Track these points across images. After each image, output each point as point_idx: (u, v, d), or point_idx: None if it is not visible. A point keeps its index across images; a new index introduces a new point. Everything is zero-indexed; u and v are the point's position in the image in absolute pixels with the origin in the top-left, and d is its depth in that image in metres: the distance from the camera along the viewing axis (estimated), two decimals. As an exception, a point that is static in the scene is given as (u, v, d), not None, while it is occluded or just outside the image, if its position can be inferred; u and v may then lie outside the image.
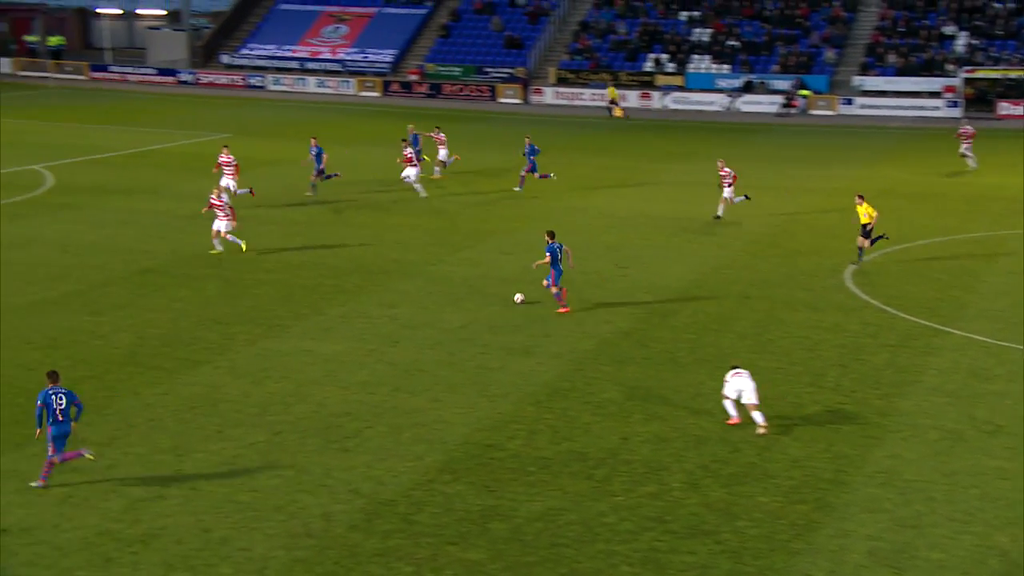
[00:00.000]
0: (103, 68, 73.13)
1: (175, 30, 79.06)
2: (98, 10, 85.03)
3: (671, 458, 17.81)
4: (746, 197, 34.26)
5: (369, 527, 15.61)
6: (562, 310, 24.84)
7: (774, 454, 17.97)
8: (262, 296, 25.92)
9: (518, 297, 25.46)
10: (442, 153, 40.21)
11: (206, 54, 73.61)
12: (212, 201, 29.59)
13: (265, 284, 26.86)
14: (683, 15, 68.19)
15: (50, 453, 16.44)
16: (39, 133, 48.67)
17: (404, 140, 38.26)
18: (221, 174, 34.59)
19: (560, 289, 24.92)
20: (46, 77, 71.04)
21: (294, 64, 70.56)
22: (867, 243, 29.03)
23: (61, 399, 16.44)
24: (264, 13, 75.14)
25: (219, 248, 29.28)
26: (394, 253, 27.30)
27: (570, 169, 41.60)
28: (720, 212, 34.00)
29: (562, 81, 65.12)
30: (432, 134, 40.50)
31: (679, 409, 19.63)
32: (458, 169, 41.07)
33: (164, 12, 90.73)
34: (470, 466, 17.42)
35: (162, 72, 71.99)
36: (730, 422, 19.04)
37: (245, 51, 72.10)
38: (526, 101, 64.86)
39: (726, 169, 33.93)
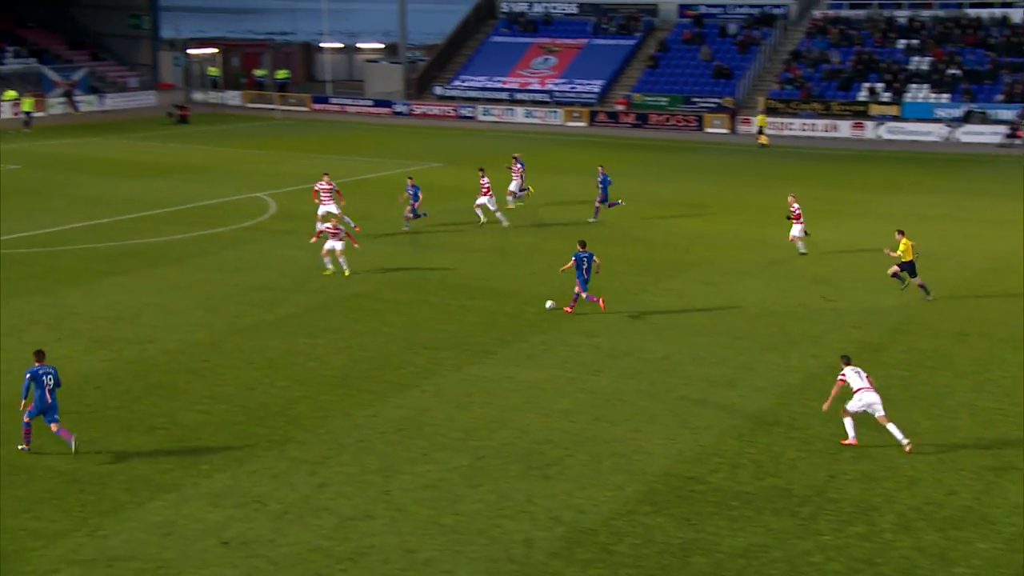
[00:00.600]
0: (324, 100, 75.93)
1: (391, 63, 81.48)
2: (321, 44, 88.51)
3: (881, 498, 17.12)
4: (806, 233, 32.54)
5: (570, 555, 15.54)
6: (567, 310, 26.59)
7: (993, 498, 17.06)
8: (468, 323, 26.28)
9: (549, 304, 26.53)
10: (514, 184, 39.76)
11: (420, 86, 75.54)
12: (325, 228, 30.54)
13: (471, 311, 27.22)
14: (901, 43, 66.16)
15: (55, 430, 18.41)
16: (264, 162, 50.80)
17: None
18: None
19: (588, 295, 26.52)
20: (272, 109, 74.25)
21: (503, 95, 71.63)
22: (911, 279, 27.83)
23: (50, 378, 18.45)
24: (477, 46, 76.65)
25: (330, 268, 30.14)
26: (595, 282, 27.25)
27: (777, 199, 40.80)
28: (803, 249, 32.58)
29: (771, 111, 64.01)
30: (512, 165, 40.18)
31: (890, 448, 18.87)
32: (660, 199, 40.78)
33: (382, 46, 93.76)
34: (671, 498, 17.16)
35: (378, 103, 74.23)
36: (847, 442, 18.22)
37: (457, 83, 73.65)
38: (733, 131, 64.04)
39: (796, 205, 32.66)
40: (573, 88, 70.68)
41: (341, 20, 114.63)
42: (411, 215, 36.41)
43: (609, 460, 18.52)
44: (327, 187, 34.79)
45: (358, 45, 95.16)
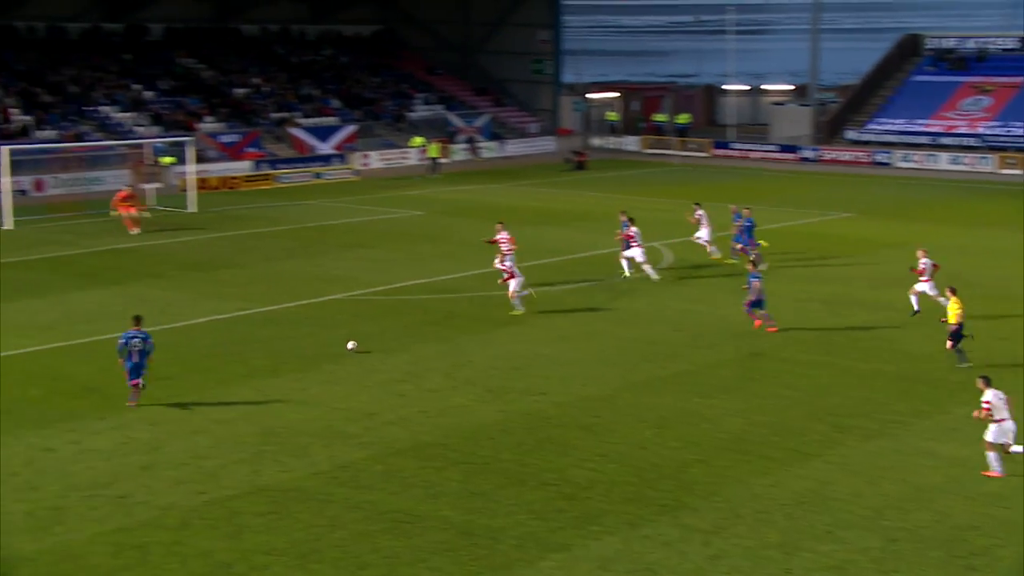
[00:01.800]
0: (725, 145, 76.07)
1: (800, 105, 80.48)
2: (725, 87, 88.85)
3: None
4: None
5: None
6: (770, 329, 29.60)
7: None
8: (878, 388, 25.28)
9: (350, 345, 27.87)
10: (702, 232, 39.35)
11: (830, 130, 74.07)
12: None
13: (882, 376, 26.17)
14: None
15: (130, 383, 23.27)
16: (661, 210, 51.41)
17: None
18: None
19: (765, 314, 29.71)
20: (671, 155, 75.23)
21: (925, 139, 68.91)
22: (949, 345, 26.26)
23: (137, 342, 23.34)
24: (897, 86, 74.32)
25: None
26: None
27: None
28: (916, 307, 30.39)
29: None
30: (692, 214, 39.76)
31: None
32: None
33: (790, 87, 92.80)
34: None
35: (784, 148, 73.44)
36: (990, 474, 16.90)
37: (873, 126, 71.63)
38: None
39: (925, 260, 30.74)
40: (1009, 131, 66.92)
41: (747, 60, 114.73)
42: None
43: (1044, 555, 17.15)
44: (505, 238, 34.41)
45: (764, 87, 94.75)
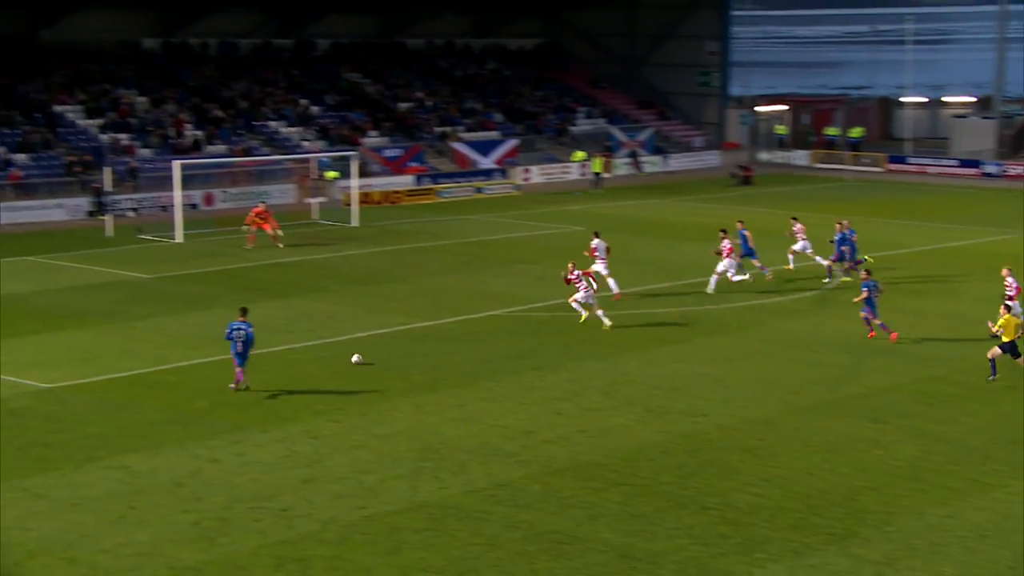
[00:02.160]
0: (901, 160, 74.30)
1: (983, 118, 78.13)
2: (902, 99, 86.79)
3: None
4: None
5: None
6: (893, 336, 29.92)
7: None
8: (1065, 417, 24.37)
9: (355, 358, 28.41)
10: (797, 246, 39.86)
11: (1016, 144, 71.73)
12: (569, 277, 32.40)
13: (1070, 404, 25.22)
14: None
15: (237, 369, 26.00)
16: (830, 227, 50.36)
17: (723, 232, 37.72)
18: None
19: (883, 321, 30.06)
20: (843, 169, 73.81)
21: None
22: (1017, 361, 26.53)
23: (241, 332, 25.96)
24: (1085, 97, 71.63)
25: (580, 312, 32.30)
26: None
27: None
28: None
29: None
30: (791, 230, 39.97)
31: None
32: None
33: (972, 99, 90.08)
34: None
35: (964, 163, 71.42)
36: None
37: (1059, 140, 69.16)
38: None
39: (1011, 280, 30.31)
40: None
41: (926, 72, 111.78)
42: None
43: None
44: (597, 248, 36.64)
45: (944, 99, 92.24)
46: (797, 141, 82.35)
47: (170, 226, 47.34)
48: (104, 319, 33.34)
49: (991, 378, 27.07)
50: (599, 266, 36.45)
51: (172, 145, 60.23)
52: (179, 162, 49.30)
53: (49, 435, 23.46)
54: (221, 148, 61.40)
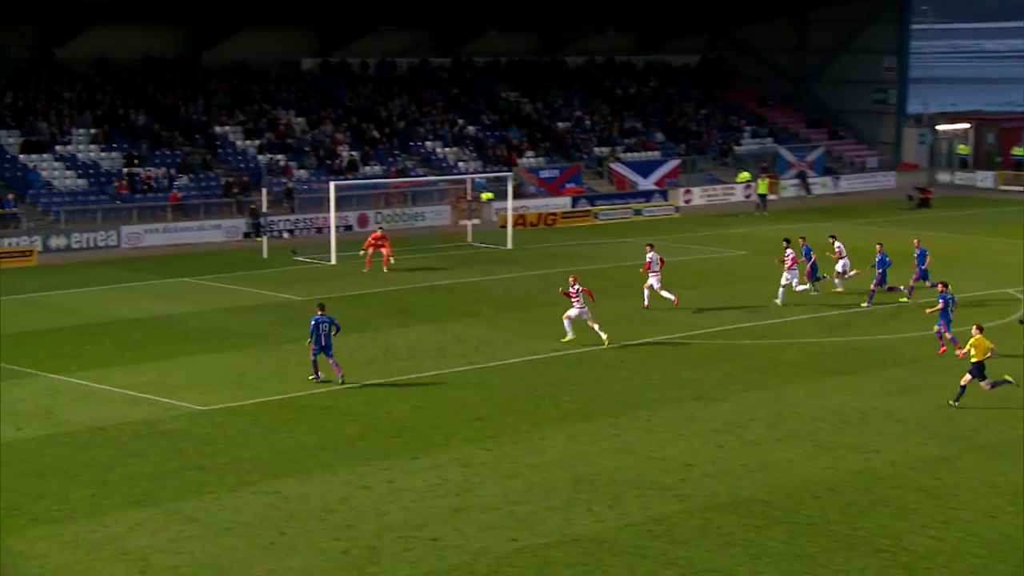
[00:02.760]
0: (1093, 181, 71.59)
1: None
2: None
3: None
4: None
5: None
6: (960, 352, 28.28)
7: None
8: None
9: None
10: (840, 264, 40.26)
11: None
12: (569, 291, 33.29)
13: None
14: None
15: (314, 359, 29.17)
16: (1020, 253, 48.86)
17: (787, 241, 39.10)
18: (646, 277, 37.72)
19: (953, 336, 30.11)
20: (1029, 192, 71.50)
21: None
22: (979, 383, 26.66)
23: (326, 325, 28.89)
24: None
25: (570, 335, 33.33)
26: None
27: None
28: None
29: None
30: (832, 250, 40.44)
31: None
32: None
33: None
34: None
35: None
36: None
37: None
38: None
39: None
40: None
41: None
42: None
43: None
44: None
45: None
46: (981, 161, 79.98)
47: (325, 248, 48.32)
48: (258, 341, 34.16)
49: (953, 403, 27.41)
50: (653, 279, 37.96)
51: (328, 166, 61.57)
52: (335, 183, 50.33)
53: (203, 458, 24.11)
54: (377, 169, 62.51)
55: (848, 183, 74.45)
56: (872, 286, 38.79)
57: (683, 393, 28.87)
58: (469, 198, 56.37)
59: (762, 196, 64.75)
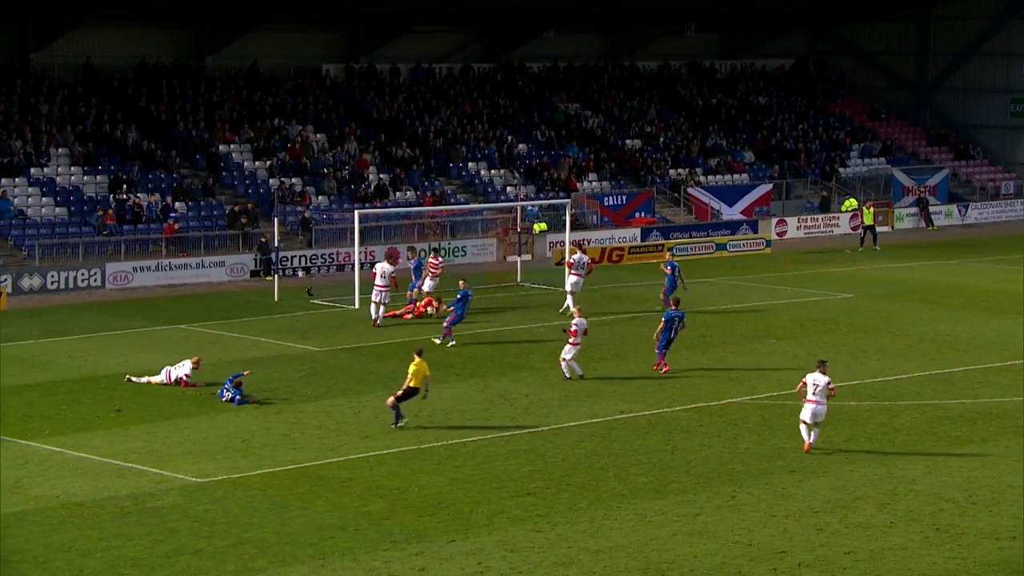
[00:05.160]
0: None
1: None
2: None
3: None
4: None
5: None
6: None
7: None
8: None
9: None
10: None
11: None
12: None
13: None
14: None
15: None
16: None
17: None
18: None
19: None
20: None
21: None
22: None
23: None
24: None
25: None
26: None
27: None
28: None
29: None
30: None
31: None
32: None
33: None
34: None
35: None
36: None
37: None
38: None
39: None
40: None
41: None
42: None
43: None
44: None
45: None
46: None
47: (347, 288, 48.52)
48: (267, 400, 34.28)
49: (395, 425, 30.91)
50: (572, 280, 44.66)
51: (352, 192, 61.96)
52: (360, 211, 50.60)
53: (199, 540, 24.17)
54: (410, 195, 62.83)
55: (978, 212, 73.99)
56: None
57: (775, 465, 28.68)
58: (519, 229, 56.49)
59: (869, 227, 64.42)
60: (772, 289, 51.81)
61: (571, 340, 35.98)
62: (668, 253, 48.77)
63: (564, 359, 36.16)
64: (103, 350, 41.01)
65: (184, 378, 35.48)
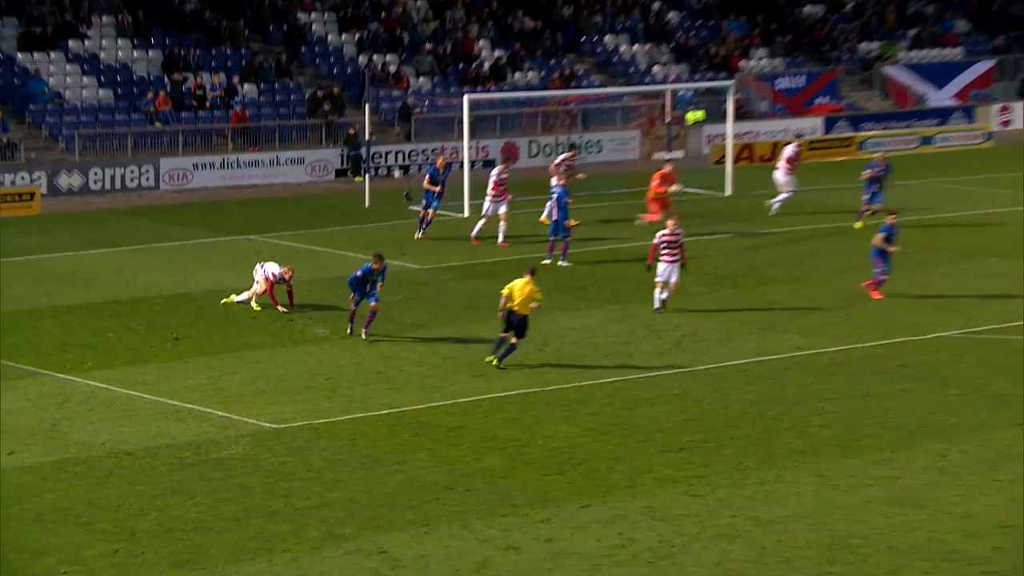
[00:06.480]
0: None
1: None
2: None
3: None
4: None
5: None
6: None
7: None
8: None
9: None
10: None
11: None
12: None
13: None
14: None
15: None
16: None
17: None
18: None
19: None
20: None
21: None
22: None
23: None
24: None
25: None
26: None
27: None
28: None
29: None
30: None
31: None
32: None
33: None
34: None
35: None
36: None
37: None
38: None
39: None
40: None
41: None
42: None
43: None
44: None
45: None
46: None
47: (455, 192, 48.42)
48: (357, 329, 34.36)
49: None
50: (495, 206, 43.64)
51: (460, 73, 61.76)
52: (470, 96, 50.42)
53: (275, 500, 24.28)
54: (531, 77, 62.54)
55: None
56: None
57: (997, 416, 28.37)
58: (668, 120, 56.09)
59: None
60: (993, 194, 51.19)
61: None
62: (881, 153, 48.12)
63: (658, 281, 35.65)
64: (157, 265, 41.44)
65: (272, 276, 35.47)
